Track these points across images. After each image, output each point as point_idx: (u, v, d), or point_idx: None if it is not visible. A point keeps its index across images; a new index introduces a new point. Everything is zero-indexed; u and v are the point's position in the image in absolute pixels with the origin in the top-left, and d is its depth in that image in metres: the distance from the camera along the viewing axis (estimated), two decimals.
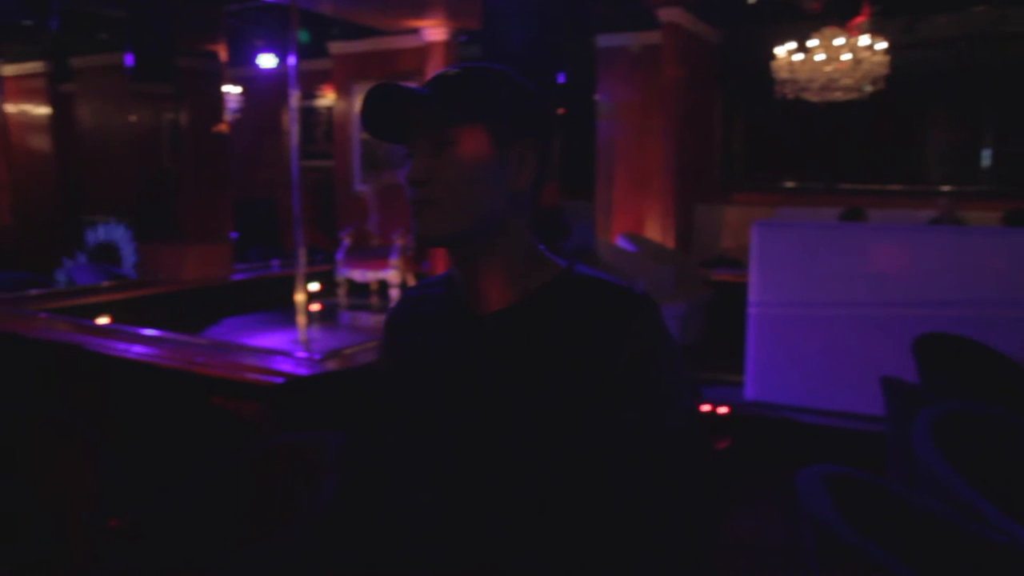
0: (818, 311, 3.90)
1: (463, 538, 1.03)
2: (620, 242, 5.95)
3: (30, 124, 9.67)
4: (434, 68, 7.37)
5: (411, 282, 6.68)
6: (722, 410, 3.87)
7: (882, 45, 5.51)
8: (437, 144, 1.00)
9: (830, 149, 7.74)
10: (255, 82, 9.22)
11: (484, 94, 1.03)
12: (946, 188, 7.12)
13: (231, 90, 8.52)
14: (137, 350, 3.31)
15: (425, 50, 7.56)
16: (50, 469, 2.02)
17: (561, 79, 6.10)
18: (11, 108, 9.54)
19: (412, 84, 1.04)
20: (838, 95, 5.58)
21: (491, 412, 1.01)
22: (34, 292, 4.81)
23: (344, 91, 8.51)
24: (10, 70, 9.43)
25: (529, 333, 1.02)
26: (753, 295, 4.02)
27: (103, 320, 4.28)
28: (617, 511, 0.98)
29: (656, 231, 7.11)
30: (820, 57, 5.52)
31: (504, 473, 0.99)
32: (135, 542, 1.95)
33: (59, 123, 9.44)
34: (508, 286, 1.04)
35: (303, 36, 8.18)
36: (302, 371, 3.01)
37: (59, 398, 3.35)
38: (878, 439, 3.00)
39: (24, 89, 9.63)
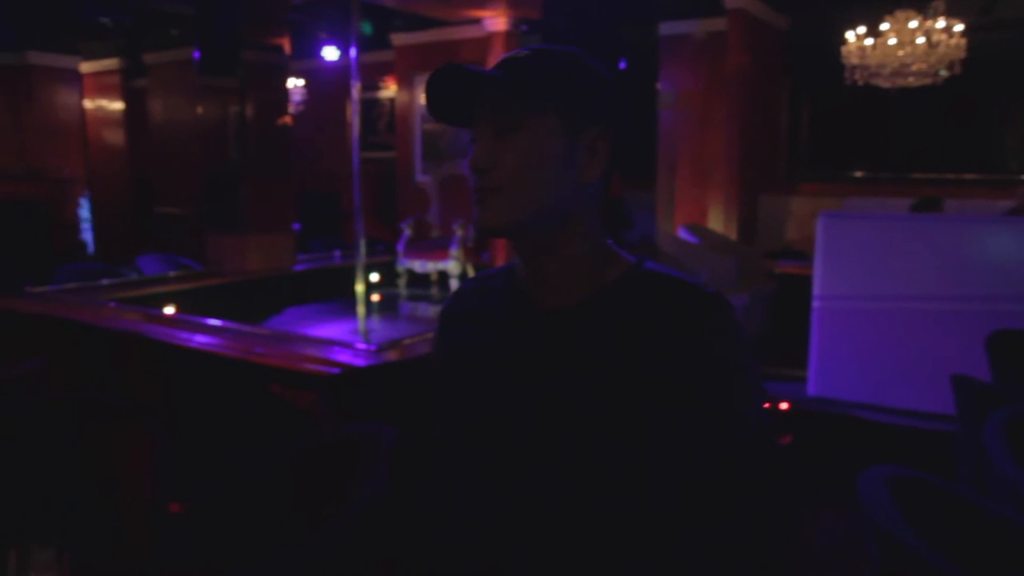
0: (885, 305, 3.77)
1: (518, 543, 0.99)
2: (682, 233, 5.86)
3: (105, 119, 9.99)
4: (495, 58, 7.36)
5: (471, 273, 6.70)
6: (783, 406, 3.78)
7: (959, 27, 5.28)
8: (503, 129, 0.96)
9: (901, 137, 7.48)
10: (318, 75, 9.35)
11: (555, 78, 0.97)
12: None
13: (295, 83, 8.66)
14: (199, 339, 3.38)
15: (486, 40, 7.55)
16: (112, 455, 2.07)
17: (622, 67, 6.02)
18: (88, 104, 9.87)
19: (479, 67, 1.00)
20: (911, 80, 5.37)
21: (554, 414, 0.96)
22: (105, 282, 4.96)
23: (406, 82, 8.56)
24: (88, 67, 9.75)
25: (597, 332, 0.96)
26: (818, 288, 3.90)
27: (169, 309, 4.40)
28: (684, 521, 0.93)
29: (719, 222, 6.98)
30: (892, 41, 5.31)
31: (566, 477, 0.95)
32: (193, 527, 1.99)
33: (131, 118, 9.74)
34: (574, 282, 1.00)
35: (366, 28, 8.26)
36: (359, 361, 3.03)
37: (125, 386, 3.45)
38: (946, 439, 2.89)
39: (100, 85, 9.95)
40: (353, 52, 4.25)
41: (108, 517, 1.96)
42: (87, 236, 9.04)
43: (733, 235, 6.83)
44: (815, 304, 3.91)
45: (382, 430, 1.91)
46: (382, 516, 1.72)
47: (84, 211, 8.92)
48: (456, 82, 0.97)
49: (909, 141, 7.47)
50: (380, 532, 1.74)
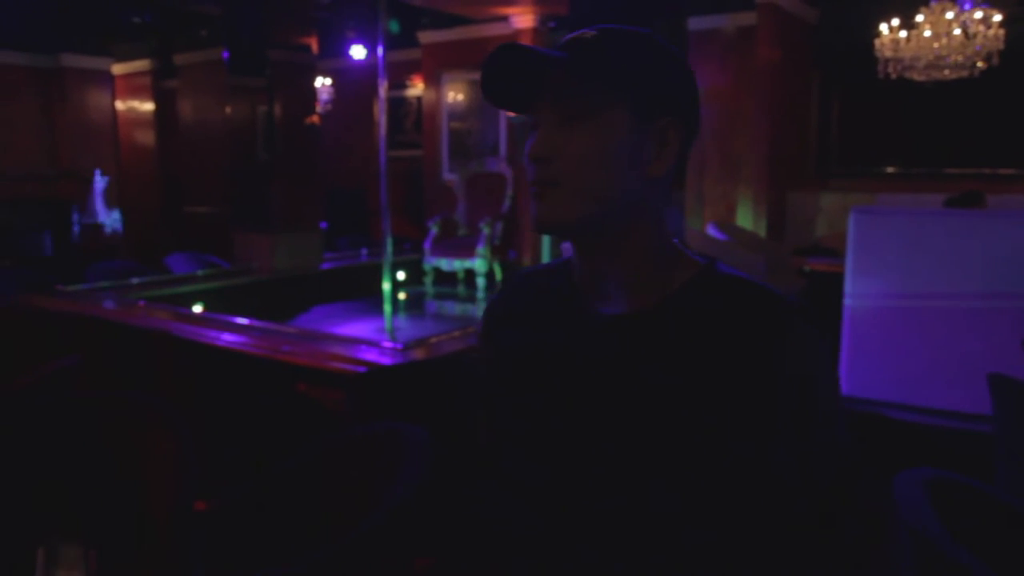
0: (919, 303, 3.69)
1: (575, 557, 0.92)
2: (710, 230, 5.79)
3: (136, 120, 10.13)
4: None
5: (498, 271, 6.70)
6: None
7: (997, 18, 5.16)
8: (567, 117, 0.88)
9: (935, 131, 7.33)
10: (346, 74, 9.39)
11: (627, 62, 0.89)
12: None
13: (322, 82, 8.70)
14: (226, 338, 3.40)
15: (514, 37, 7.53)
16: (138, 452, 2.08)
17: None
18: (120, 105, 10.01)
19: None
20: (946, 73, 5.25)
21: (621, 426, 0.88)
22: (135, 281, 5.01)
23: (433, 80, 8.56)
24: (119, 68, 9.88)
25: (669, 341, 0.88)
26: (849, 286, 3.83)
27: (198, 308, 4.43)
28: (759, 544, 0.86)
29: (748, 219, 6.90)
30: (927, 33, 5.20)
31: (630, 491, 0.87)
32: (219, 526, 1.99)
33: (162, 118, 9.86)
34: (640, 285, 0.92)
35: (393, 27, 8.28)
36: (385, 360, 3.03)
37: (154, 384, 3.48)
38: (983, 440, 2.82)
39: (131, 86, 10.09)
40: (380, 51, 4.26)
41: (133, 515, 1.96)
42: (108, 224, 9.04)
43: (762, 232, 6.75)
44: (847, 302, 3.83)
45: (410, 429, 1.89)
46: (414, 516, 1.70)
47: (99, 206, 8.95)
48: (517, 64, 0.89)
49: (943, 135, 7.32)
50: (411, 532, 1.72)
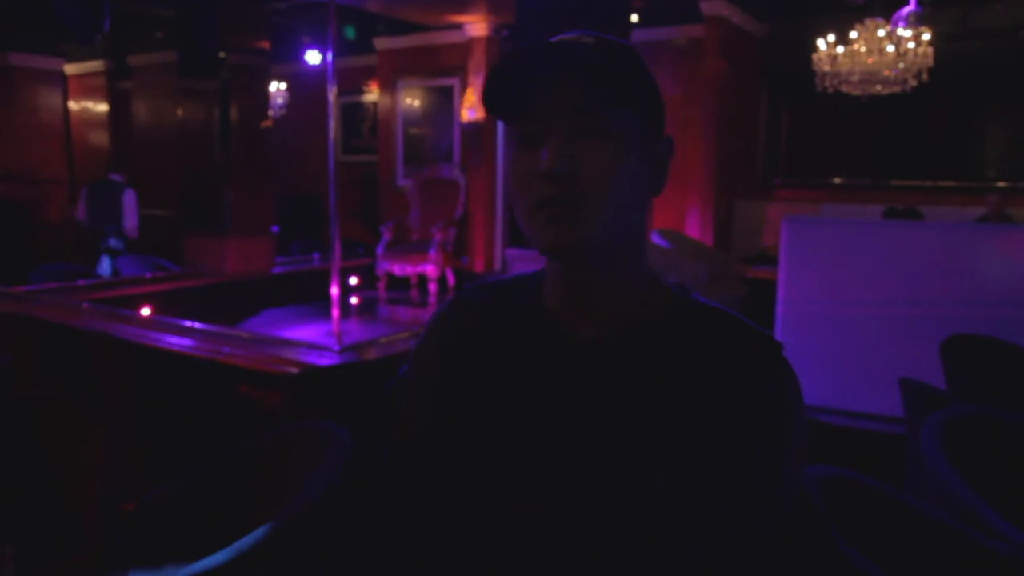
0: (847, 310, 3.82)
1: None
2: (655, 238, 5.91)
3: (90, 121, 10.00)
4: (476, 63, 7.41)
5: (450, 277, 6.74)
6: None
7: (926, 36, 5.35)
8: (588, 129, 0.80)
9: (879, 144, 7.55)
10: (301, 79, 9.38)
11: (642, 74, 0.83)
12: (1001, 185, 6.89)
13: (278, 86, 8.69)
14: (169, 340, 3.41)
15: (467, 45, 7.60)
16: (65, 452, 2.09)
17: None
18: (73, 105, 9.88)
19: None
20: (879, 88, 5.44)
21: (588, 451, 0.83)
22: (81, 283, 4.97)
23: (388, 86, 8.60)
24: (72, 69, 9.75)
25: (646, 369, 0.84)
26: (782, 292, 3.95)
27: (145, 311, 4.41)
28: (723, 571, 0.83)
29: (695, 227, 7.04)
30: (862, 49, 5.38)
31: (595, 513, 0.82)
32: (146, 525, 2.02)
33: (116, 119, 9.75)
34: (620, 310, 0.87)
35: (349, 32, 8.30)
36: (322, 361, 3.07)
37: (93, 386, 3.47)
38: (902, 442, 2.93)
39: (85, 87, 9.95)
40: (329, 56, 4.29)
41: (57, 513, 1.98)
42: None
43: (710, 240, 6.89)
44: (779, 308, 3.95)
45: (333, 429, 1.93)
46: (338, 512, 1.73)
47: None
48: (537, 65, 0.80)
49: (887, 148, 7.55)
50: (334, 528, 1.75)
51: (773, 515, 0.82)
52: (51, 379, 3.60)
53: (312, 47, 8.83)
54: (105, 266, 6.11)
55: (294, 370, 2.88)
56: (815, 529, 0.88)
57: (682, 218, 7.15)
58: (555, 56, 0.79)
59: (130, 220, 6.66)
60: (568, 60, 0.79)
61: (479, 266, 7.45)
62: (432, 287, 6.60)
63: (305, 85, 9.37)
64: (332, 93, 4.40)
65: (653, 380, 0.83)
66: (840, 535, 1.54)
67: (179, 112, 6.02)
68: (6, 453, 2.04)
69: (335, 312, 4.14)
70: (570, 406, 0.84)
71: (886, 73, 5.24)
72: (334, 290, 4.18)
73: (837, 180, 7.78)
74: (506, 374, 0.89)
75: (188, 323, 3.70)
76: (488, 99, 0.84)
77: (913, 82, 5.40)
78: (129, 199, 6.70)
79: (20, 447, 2.09)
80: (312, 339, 3.71)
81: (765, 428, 0.81)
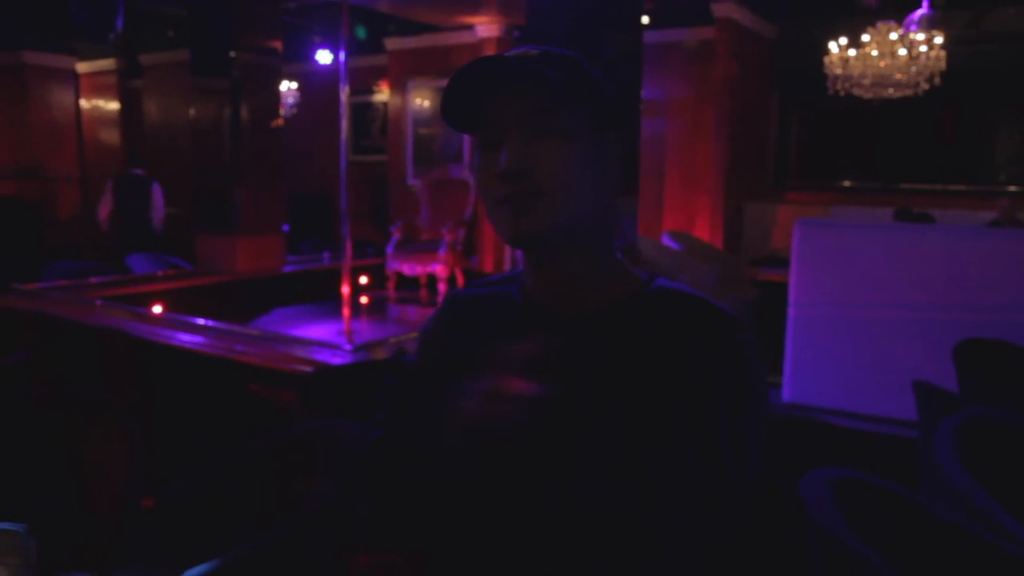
0: (859, 313, 3.82)
1: (506, 547, 0.93)
2: (665, 240, 5.91)
3: (101, 119, 10.05)
4: None
5: (459, 277, 6.75)
6: None
7: (939, 40, 5.35)
8: (537, 131, 0.90)
9: (889, 148, 7.54)
10: (312, 78, 9.41)
11: (588, 77, 0.93)
12: (1013, 189, 6.88)
13: (288, 86, 8.72)
14: (181, 337, 3.42)
15: (478, 46, 7.61)
16: (85, 449, 2.12)
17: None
18: (84, 104, 9.92)
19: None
20: (891, 92, 5.43)
21: (561, 422, 0.91)
22: (94, 280, 5.00)
23: (399, 86, 8.61)
24: (84, 67, 9.80)
25: (612, 347, 0.92)
26: (793, 295, 3.95)
27: (157, 308, 4.44)
28: (682, 541, 0.89)
29: (706, 228, 7.04)
30: (874, 52, 5.38)
31: (572, 490, 0.89)
32: (162, 521, 2.03)
33: (127, 118, 9.79)
34: (590, 293, 0.96)
35: (360, 32, 8.32)
36: (334, 360, 3.08)
37: (106, 383, 3.49)
38: (914, 446, 2.93)
39: (96, 85, 10.01)
40: (343, 56, 4.31)
41: (77, 506, 2.00)
42: None
43: (719, 242, 6.88)
44: (790, 311, 3.95)
45: (346, 425, 1.95)
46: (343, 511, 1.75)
47: None
48: (483, 79, 0.90)
49: (897, 152, 7.53)
50: (345, 526, 1.77)
51: (741, 475, 0.89)
52: (63, 376, 3.62)
53: (323, 47, 8.85)
54: (139, 260, 6.14)
55: (307, 368, 2.89)
56: (781, 487, 0.95)
57: (692, 220, 7.14)
58: (504, 69, 0.89)
59: (158, 212, 6.88)
60: (516, 71, 0.88)
61: (488, 266, 7.45)
62: (442, 287, 6.60)
63: (314, 84, 9.40)
64: (345, 93, 4.43)
65: (624, 355, 0.91)
66: (856, 535, 1.54)
67: (191, 111, 6.03)
68: (25, 448, 2.06)
69: (346, 311, 4.16)
70: (545, 376, 0.89)
71: (898, 76, 5.24)
72: (346, 289, 4.20)
73: (847, 183, 7.77)
74: (489, 354, 0.94)
75: (199, 321, 3.72)
76: (447, 113, 0.94)
77: (925, 85, 5.40)
78: (157, 192, 6.89)
79: (39, 443, 2.11)
80: (324, 338, 3.73)
81: (728, 395, 0.88)
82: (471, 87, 0.91)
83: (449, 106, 0.93)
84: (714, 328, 0.91)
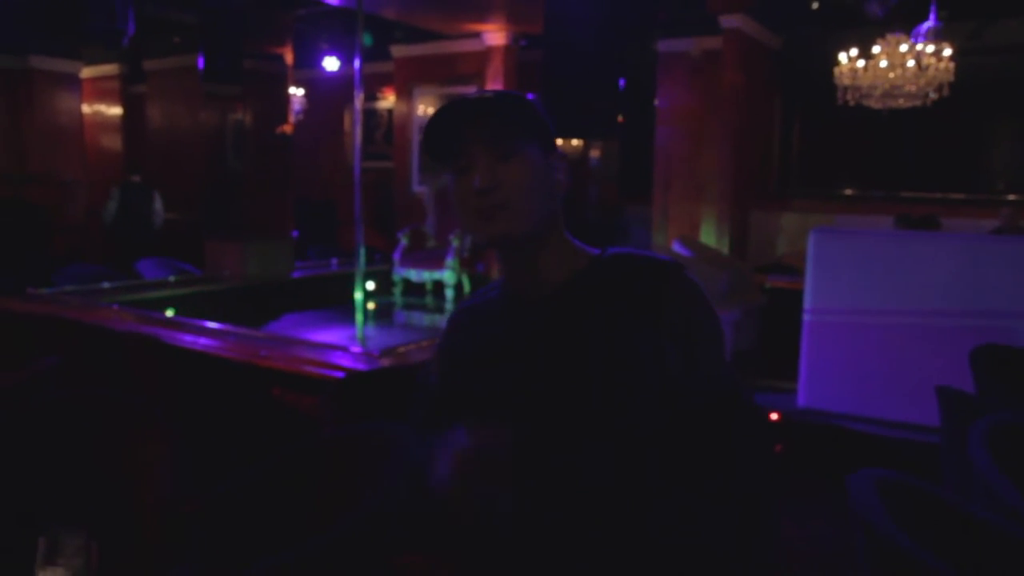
0: (874, 319, 3.87)
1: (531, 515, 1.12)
2: (675, 246, 5.95)
3: (103, 124, 10.03)
4: (494, 72, 7.47)
5: (466, 283, 6.78)
6: (773, 417, 3.86)
7: (947, 52, 5.42)
8: (501, 156, 1.14)
9: (891, 156, 7.61)
10: (318, 84, 9.43)
11: (536, 114, 1.19)
12: (1012, 197, 6.95)
13: (295, 92, 8.74)
14: (203, 342, 3.44)
15: (485, 54, 7.66)
16: (127, 454, 2.12)
17: (621, 84, 6.10)
18: (86, 108, 9.91)
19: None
20: (900, 102, 5.50)
21: (553, 386, 1.14)
22: (106, 285, 5.00)
23: (405, 93, 8.65)
24: (87, 72, 9.79)
25: (580, 307, 1.16)
26: (808, 302, 4.00)
27: (169, 313, 4.44)
28: (671, 465, 1.10)
29: (712, 236, 7.08)
30: (883, 64, 5.44)
31: (571, 434, 1.12)
32: (203, 526, 2.04)
33: (129, 123, 9.78)
34: (556, 271, 1.19)
35: (366, 39, 8.34)
36: (361, 367, 3.09)
37: (130, 387, 3.50)
38: (931, 450, 2.97)
39: (99, 90, 9.99)
40: (357, 63, 4.33)
41: (128, 510, 2.01)
42: None
43: (725, 249, 6.93)
44: (806, 317, 4.00)
45: (395, 427, 1.96)
46: (398, 513, 1.76)
47: None
48: (457, 114, 1.14)
49: (899, 160, 7.60)
50: (395, 529, 1.78)
51: (704, 393, 1.11)
52: (91, 381, 3.62)
53: (330, 54, 8.88)
54: (148, 265, 6.15)
55: (339, 374, 2.91)
56: (744, 402, 1.15)
57: (697, 228, 7.19)
58: (470, 109, 1.14)
59: (158, 218, 6.98)
60: (480, 110, 1.15)
61: (495, 273, 7.48)
62: (448, 293, 6.62)
63: (319, 91, 9.42)
64: (359, 100, 4.45)
65: (590, 311, 1.14)
66: (902, 531, 1.57)
67: (201, 115, 6.05)
68: (76, 450, 2.07)
69: (359, 317, 4.18)
70: (529, 349, 1.17)
71: (908, 88, 5.30)
72: (358, 295, 4.22)
73: (848, 191, 7.84)
74: (484, 340, 1.24)
75: (220, 326, 3.73)
76: (430, 149, 1.18)
77: (934, 96, 5.46)
78: (157, 199, 6.97)
79: (78, 447, 2.12)
80: (336, 343, 3.74)
81: (681, 327, 1.11)
82: (445, 122, 1.15)
83: (430, 141, 1.18)
84: (661, 272, 1.15)
